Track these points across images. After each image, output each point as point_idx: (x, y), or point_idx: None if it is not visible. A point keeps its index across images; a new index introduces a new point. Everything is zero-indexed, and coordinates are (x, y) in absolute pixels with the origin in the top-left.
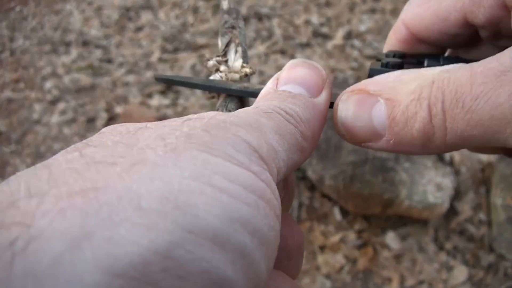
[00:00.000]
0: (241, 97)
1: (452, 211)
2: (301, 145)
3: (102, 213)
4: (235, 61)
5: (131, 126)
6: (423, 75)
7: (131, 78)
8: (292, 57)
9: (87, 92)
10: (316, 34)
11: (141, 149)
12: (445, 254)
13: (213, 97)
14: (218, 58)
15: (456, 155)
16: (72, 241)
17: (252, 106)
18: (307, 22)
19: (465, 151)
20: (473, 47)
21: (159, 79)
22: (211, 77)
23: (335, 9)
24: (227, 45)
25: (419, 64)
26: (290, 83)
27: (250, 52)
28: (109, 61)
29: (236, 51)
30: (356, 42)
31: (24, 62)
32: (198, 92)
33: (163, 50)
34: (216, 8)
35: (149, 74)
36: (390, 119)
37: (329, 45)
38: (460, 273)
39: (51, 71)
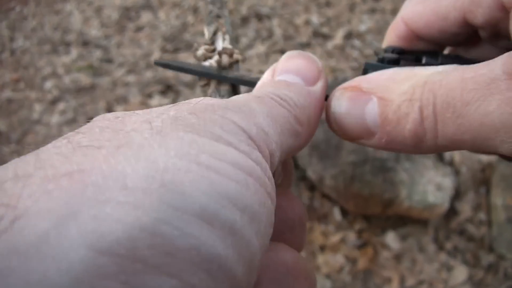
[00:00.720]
0: (233, 85)
1: (452, 211)
2: (295, 129)
3: (87, 192)
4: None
5: (119, 113)
6: (416, 74)
7: (131, 78)
8: None
9: (87, 92)
10: (316, 34)
11: (127, 132)
12: (445, 254)
13: (205, 85)
14: (207, 47)
15: (457, 155)
16: (57, 220)
17: (247, 93)
18: (307, 22)
19: (465, 151)
20: (472, 46)
21: (158, 64)
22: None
23: (335, 9)
24: (214, 33)
25: (417, 61)
26: (286, 73)
27: (250, 52)
28: (109, 61)
29: (224, 39)
30: (356, 42)
31: (24, 62)
32: (198, 92)
33: (163, 50)
34: None
35: (149, 74)
36: (383, 118)
37: (329, 45)
38: (460, 273)
39: (51, 71)
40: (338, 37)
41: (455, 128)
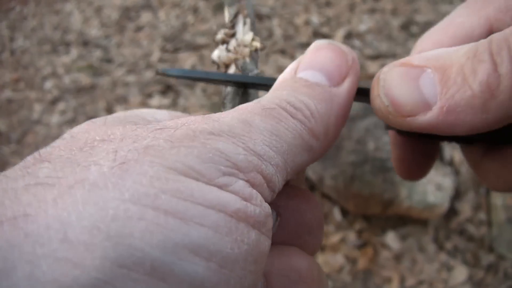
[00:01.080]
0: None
1: (452, 211)
2: (309, 144)
3: (26, 245)
4: (245, 34)
5: (101, 131)
6: (469, 44)
7: (131, 78)
8: (292, 57)
9: (87, 92)
10: (316, 34)
11: (86, 166)
12: (445, 254)
13: (218, 67)
14: (226, 30)
15: (456, 155)
16: None
17: (259, 99)
18: (307, 22)
19: None
20: None
21: (160, 73)
22: (216, 51)
23: (335, 9)
24: (235, 16)
25: None
26: (310, 69)
27: None
28: (109, 61)
29: (244, 23)
30: (356, 42)
31: (24, 62)
32: (198, 91)
33: (163, 50)
34: (216, 8)
35: (149, 74)
36: (443, 82)
37: None
38: (460, 273)
39: (51, 71)
40: (338, 37)
41: None
